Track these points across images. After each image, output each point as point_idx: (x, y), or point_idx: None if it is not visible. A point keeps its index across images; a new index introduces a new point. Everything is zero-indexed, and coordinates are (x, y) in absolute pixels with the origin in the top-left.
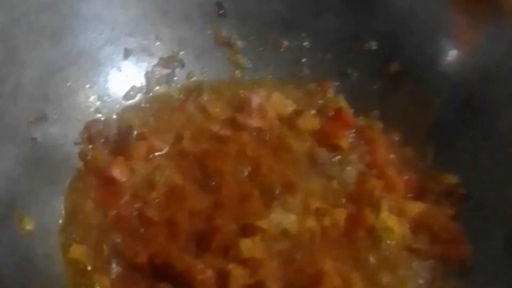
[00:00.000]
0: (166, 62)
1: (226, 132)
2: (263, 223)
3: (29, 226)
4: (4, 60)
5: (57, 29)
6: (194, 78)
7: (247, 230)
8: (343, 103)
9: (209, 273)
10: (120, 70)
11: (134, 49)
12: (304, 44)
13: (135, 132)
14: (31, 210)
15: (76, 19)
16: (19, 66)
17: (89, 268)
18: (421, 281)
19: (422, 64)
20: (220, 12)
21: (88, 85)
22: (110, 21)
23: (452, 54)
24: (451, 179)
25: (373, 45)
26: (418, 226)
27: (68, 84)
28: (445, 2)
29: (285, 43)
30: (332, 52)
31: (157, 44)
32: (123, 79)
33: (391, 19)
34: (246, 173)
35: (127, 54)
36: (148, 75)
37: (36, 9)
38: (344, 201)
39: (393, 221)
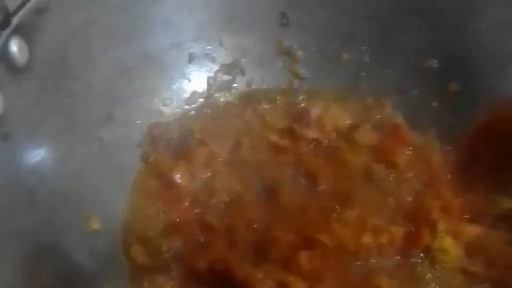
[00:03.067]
0: (227, 68)
1: (284, 142)
2: (323, 237)
3: (95, 225)
4: (78, 59)
5: (127, 31)
6: (254, 86)
7: (306, 243)
8: (400, 119)
9: (270, 283)
10: (184, 75)
11: (198, 54)
12: (364, 58)
13: (196, 137)
14: (96, 210)
15: (145, 22)
16: (91, 66)
17: (150, 269)
18: None
19: (483, 86)
20: (283, 21)
21: (153, 88)
22: (177, 25)
23: None
24: (508, 202)
25: (434, 63)
26: (474, 249)
27: (135, 86)
28: None
29: (345, 55)
30: (392, 68)
31: (220, 50)
32: (185, 84)
33: (457, 39)
34: (304, 184)
35: (191, 59)
36: (210, 81)
37: (110, 10)
38: (400, 219)
39: (449, 243)
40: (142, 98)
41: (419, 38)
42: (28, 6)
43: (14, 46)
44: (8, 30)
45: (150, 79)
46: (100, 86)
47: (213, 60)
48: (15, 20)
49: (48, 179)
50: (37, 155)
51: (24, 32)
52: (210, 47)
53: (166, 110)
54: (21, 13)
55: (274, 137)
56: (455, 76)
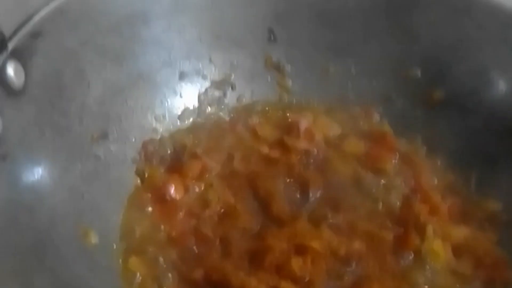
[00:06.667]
0: (218, 84)
1: (275, 153)
2: (314, 244)
3: (94, 240)
4: (73, 81)
5: (120, 52)
6: (244, 101)
7: (298, 250)
8: (387, 128)
9: None
10: (175, 92)
11: (189, 71)
12: (350, 70)
13: (189, 152)
14: (94, 225)
15: (137, 42)
16: (85, 87)
17: (147, 280)
18: None
19: (466, 93)
20: (271, 37)
21: (146, 106)
22: (167, 45)
23: (499, 87)
24: (494, 205)
25: (418, 72)
26: (462, 250)
27: (128, 104)
28: (497, 35)
29: (332, 68)
30: (377, 78)
31: (210, 67)
32: (177, 101)
33: (437, 48)
34: (295, 194)
35: (182, 76)
36: (201, 97)
37: (102, 33)
38: (390, 223)
39: (438, 245)
40: (135, 116)
41: (401, 49)
42: (24, 30)
43: (11, 70)
44: (5, 55)
45: (143, 98)
46: (94, 106)
47: (204, 77)
48: (11, 45)
49: (46, 196)
50: (35, 173)
51: (20, 56)
52: (200, 64)
53: (159, 126)
54: (16, 37)
55: (265, 149)
56: (438, 84)
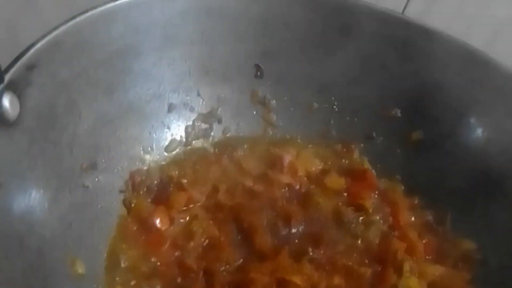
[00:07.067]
0: (205, 117)
1: (259, 187)
2: (296, 278)
3: (80, 269)
4: (65, 112)
5: (111, 84)
6: (230, 134)
7: (280, 284)
8: (367, 165)
9: None
10: (163, 124)
11: (177, 104)
12: (333, 107)
13: (175, 183)
14: (81, 255)
15: (128, 75)
16: (76, 118)
17: None
18: None
19: (444, 135)
20: (257, 73)
21: (134, 136)
22: (158, 78)
23: (476, 131)
24: (468, 244)
25: (398, 112)
26: None
27: (117, 135)
28: (477, 81)
29: (315, 105)
30: (359, 116)
31: (198, 100)
32: (165, 132)
33: (418, 90)
34: (277, 228)
35: (170, 109)
36: (188, 129)
37: (94, 65)
38: (368, 260)
39: (414, 282)
40: (124, 147)
41: (383, 90)
42: (20, 63)
43: (6, 101)
44: (1, 87)
45: (132, 128)
46: (85, 136)
47: (191, 110)
48: (7, 77)
49: (36, 226)
50: (26, 203)
51: (15, 87)
52: (189, 97)
53: (147, 157)
54: (13, 70)
55: (249, 183)
56: (418, 125)
